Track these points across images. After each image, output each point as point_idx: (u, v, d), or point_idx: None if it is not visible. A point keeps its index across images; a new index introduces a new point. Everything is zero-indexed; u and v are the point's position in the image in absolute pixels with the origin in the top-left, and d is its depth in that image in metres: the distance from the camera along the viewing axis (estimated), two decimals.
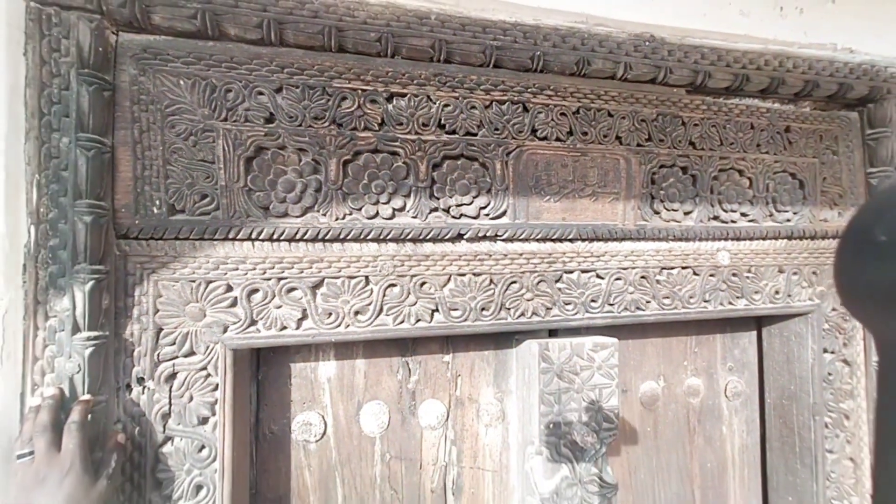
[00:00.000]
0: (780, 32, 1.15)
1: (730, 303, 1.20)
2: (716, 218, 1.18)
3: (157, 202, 0.85)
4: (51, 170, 0.77)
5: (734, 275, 1.21)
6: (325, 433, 1.09)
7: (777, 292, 1.24)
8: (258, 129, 0.89)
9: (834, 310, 1.29)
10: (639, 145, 1.11)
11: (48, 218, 0.77)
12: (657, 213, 1.13)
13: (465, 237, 1.01)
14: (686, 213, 1.16)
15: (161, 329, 0.85)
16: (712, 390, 1.43)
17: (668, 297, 1.15)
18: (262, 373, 1.06)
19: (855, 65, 1.22)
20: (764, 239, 1.23)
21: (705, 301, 1.18)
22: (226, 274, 0.88)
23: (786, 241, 1.25)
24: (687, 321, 1.25)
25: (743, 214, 1.20)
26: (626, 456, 1.33)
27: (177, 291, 0.86)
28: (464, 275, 1.01)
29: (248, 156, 0.89)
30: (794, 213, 1.24)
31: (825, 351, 1.28)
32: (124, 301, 0.84)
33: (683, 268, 1.17)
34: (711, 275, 1.19)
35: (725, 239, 1.20)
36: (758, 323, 1.41)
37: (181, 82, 0.86)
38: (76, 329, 0.76)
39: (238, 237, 0.89)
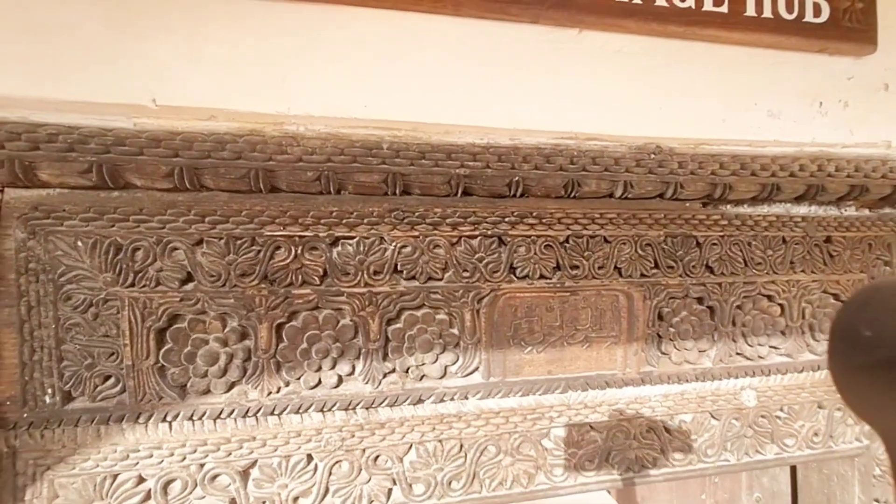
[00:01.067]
0: (818, 133, 0.95)
1: (757, 451, 1.01)
2: (739, 354, 0.98)
3: (50, 390, 0.71)
4: None
5: (762, 416, 1.00)
6: None
7: (816, 434, 1.03)
8: (172, 295, 0.74)
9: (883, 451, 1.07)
10: (643, 276, 0.92)
11: None
12: (665, 354, 0.94)
13: (428, 400, 0.84)
14: (702, 352, 0.96)
15: None
16: None
17: (680, 451, 0.96)
18: None
19: None
20: (799, 371, 1.02)
21: (727, 451, 0.98)
22: (137, 464, 0.74)
23: (825, 372, 1.04)
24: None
25: (773, 348, 1.00)
26: None
27: (77, 490, 0.72)
28: (427, 442, 0.85)
29: (159, 327, 0.74)
30: None
31: (876, 501, 1.07)
32: None
33: (699, 413, 0.97)
34: (735, 419, 0.99)
35: (752, 376, 0.99)
36: None
37: (79, 244, 0.72)
38: None
39: (148, 421, 0.74)
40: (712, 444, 0.98)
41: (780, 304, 1.00)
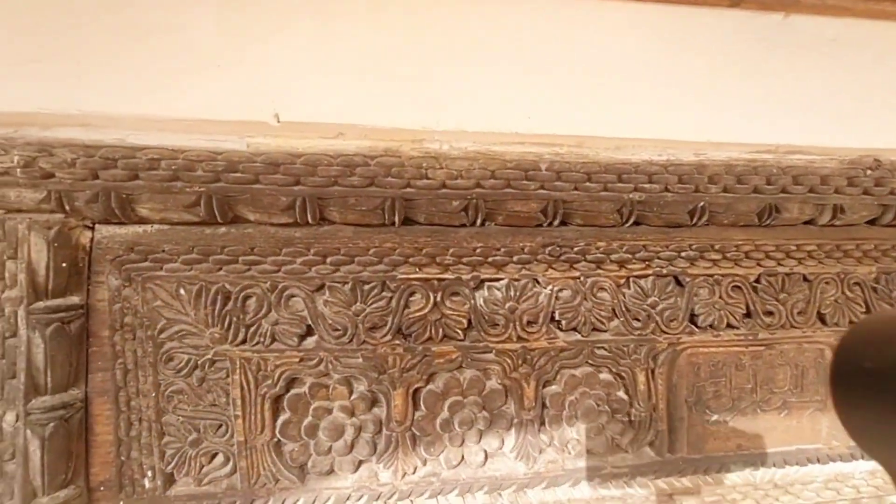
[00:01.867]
0: None
1: None
2: None
3: (150, 472, 0.58)
4: None
5: None
6: None
7: None
8: (291, 354, 0.60)
9: None
10: (852, 323, 0.73)
11: None
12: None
13: (593, 482, 0.67)
14: None
15: None
16: None
17: None
18: None
19: None
20: None
21: None
22: None
23: None
24: None
25: None
26: None
27: None
28: None
29: (275, 393, 0.60)
30: None
31: None
32: None
33: None
34: None
35: None
36: None
37: (181, 291, 0.59)
38: None
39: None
40: None
41: None
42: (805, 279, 0.72)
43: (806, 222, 0.71)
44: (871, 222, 0.74)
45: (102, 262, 0.58)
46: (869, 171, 0.70)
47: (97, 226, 0.58)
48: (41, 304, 0.53)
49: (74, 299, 0.56)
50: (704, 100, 0.66)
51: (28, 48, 0.52)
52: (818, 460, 0.73)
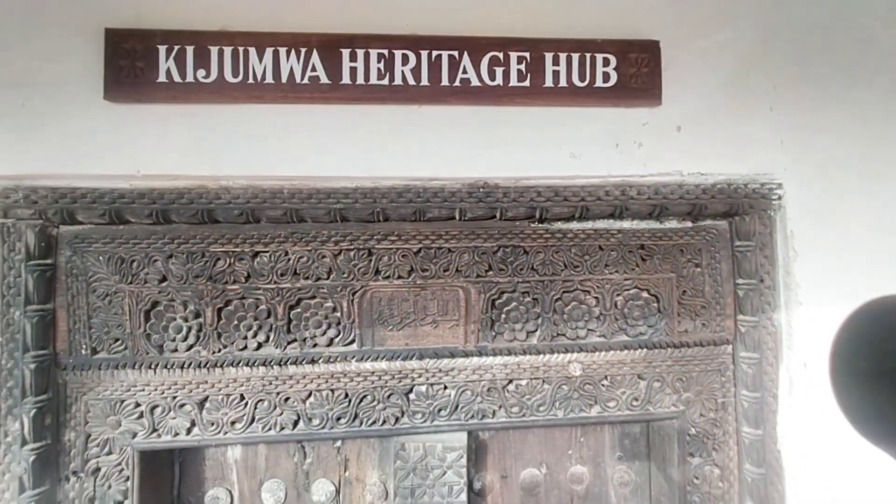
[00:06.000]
0: (616, 168, 1.25)
1: (581, 410, 1.32)
2: (561, 335, 1.30)
3: (84, 346, 1.18)
4: (9, 334, 1.13)
5: (588, 384, 1.32)
6: None
7: (635, 399, 1.33)
8: (154, 288, 1.20)
9: (702, 416, 1.34)
10: (478, 276, 1.27)
11: (7, 367, 1.13)
12: (500, 334, 1.28)
13: (321, 360, 1.24)
14: (529, 333, 1.29)
15: (89, 435, 1.19)
16: (599, 478, 1.52)
17: (516, 406, 1.30)
18: (183, 455, 1.37)
19: (708, 185, 1.28)
20: (621, 350, 1.32)
21: (556, 408, 1.31)
22: (134, 394, 1.20)
23: (645, 350, 1.33)
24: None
25: (591, 330, 1.31)
26: None
27: (100, 408, 1.19)
28: (321, 391, 1.25)
29: (146, 309, 1.20)
30: (649, 327, 1.32)
31: (691, 455, 1.34)
32: (64, 416, 1.18)
33: (533, 379, 1.30)
34: (562, 385, 1.31)
35: (576, 352, 1.31)
36: None
37: (100, 258, 1.19)
38: (24, 443, 1.12)
39: (142, 368, 1.20)
40: (543, 402, 1.31)
41: (596, 297, 1.31)
42: (449, 251, 1.27)
43: (448, 218, 1.26)
44: (494, 218, 1.27)
45: (62, 243, 1.19)
46: (481, 189, 1.24)
47: (60, 226, 1.19)
48: (33, 262, 1.14)
49: (49, 261, 1.17)
50: (377, 153, 1.22)
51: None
52: (459, 355, 1.27)
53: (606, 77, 1.22)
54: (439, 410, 1.28)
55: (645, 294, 1.33)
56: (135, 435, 1.20)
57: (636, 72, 1.22)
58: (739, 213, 1.30)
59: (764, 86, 1.30)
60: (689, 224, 1.34)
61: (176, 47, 1.11)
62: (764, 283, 1.31)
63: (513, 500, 1.48)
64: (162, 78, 1.12)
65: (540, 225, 1.29)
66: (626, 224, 1.32)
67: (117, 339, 1.20)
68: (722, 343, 1.35)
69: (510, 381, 1.30)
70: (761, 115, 1.30)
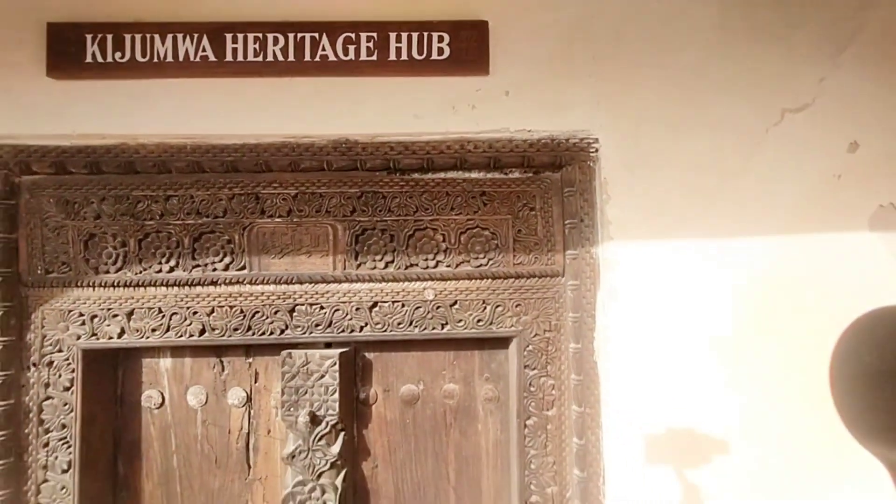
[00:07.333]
0: (452, 126, 1.53)
1: (434, 329, 1.61)
2: (414, 265, 1.59)
3: (39, 268, 1.55)
4: None
5: (439, 307, 1.60)
6: (163, 403, 1.73)
7: (480, 321, 1.61)
8: (91, 223, 1.55)
9: (537, 335, 1.61)
10: (344, 216, 1.57)
11: None
12: (362, 263, 1.59)
13: (220, 283, 1.58)
14: (388, 263, 1.59)
15: (45, 336, 1.56)
16: (469, 395, 1.81)
17: (380, 324, 1.60)
18: (124, 364, 1.74)
19: (534, 140, 1.54)
20: (469, 279, 1.61)
21: (412, 326, 1.60)
22: (78, 306, 1.56)
23: (490, 280, 1.61)
24: (433, 339, 1.64)
25: (439, 262, 1.59)
26: (386, 439, 1.78)
27: (53, 316, 1.56)
28: (222, 307, 1.58)
29: (85, 239, 1.55)
30: (489, 260, 1.60)
31: (527, 367, 1.61)
32: (26, 321, 1.55)
33: (394, 302, 1.60)
34: (418, 307, 1.60)
35: (430, 280, 1.60)
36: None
37: (50, 200, 1.55)
38: None
39: (83, 286, 1.56)
40: (402, 321, 1.60)
41: (443, 234, 1.59)
42: (321, 196, 1.57)
43: (318, 169, 1.56)
44: (357, 169, 1.57)
45: (23, 189, 1.55)
46: (343, 144, 1.54)
47: (22, 176, 1.56)
48: (3, 201, 1.51)
49: (12, 201, 1.53)
50: (262, 117, 1.53)
51: None
52: (328, 280, 1.58)
53: (441, 52, 1.49)
54: (316, 325, 1.59)
55: (486, 233, 1.60)
56: (79, 337, 1.56)
57: (466, 46, 1.49)
58: (565, 164, 1.56)
59: (584, 57, 1.54)
60: (528, 174, 1.60)
61: (99, 35, 1.45)
62: (584, 222, 1.56)
63: (394, 409, 1.79)
64: (89, 59, 1.46)
65: (396, 175, 1.58)
66: (473, 175, 1.59)
67: (64, 263, 1.56)
68: (555, 275, 1.61)
69: (375, 304, 1.60)
70: (581, 81, 1.54)
